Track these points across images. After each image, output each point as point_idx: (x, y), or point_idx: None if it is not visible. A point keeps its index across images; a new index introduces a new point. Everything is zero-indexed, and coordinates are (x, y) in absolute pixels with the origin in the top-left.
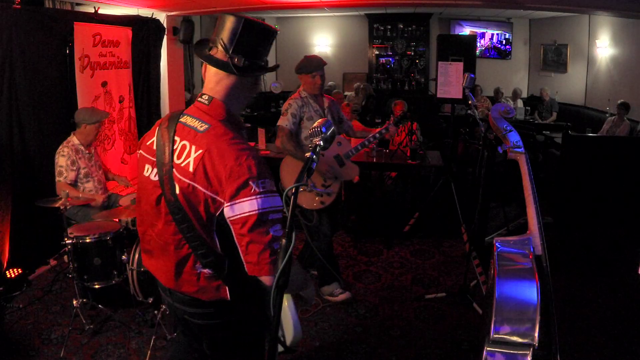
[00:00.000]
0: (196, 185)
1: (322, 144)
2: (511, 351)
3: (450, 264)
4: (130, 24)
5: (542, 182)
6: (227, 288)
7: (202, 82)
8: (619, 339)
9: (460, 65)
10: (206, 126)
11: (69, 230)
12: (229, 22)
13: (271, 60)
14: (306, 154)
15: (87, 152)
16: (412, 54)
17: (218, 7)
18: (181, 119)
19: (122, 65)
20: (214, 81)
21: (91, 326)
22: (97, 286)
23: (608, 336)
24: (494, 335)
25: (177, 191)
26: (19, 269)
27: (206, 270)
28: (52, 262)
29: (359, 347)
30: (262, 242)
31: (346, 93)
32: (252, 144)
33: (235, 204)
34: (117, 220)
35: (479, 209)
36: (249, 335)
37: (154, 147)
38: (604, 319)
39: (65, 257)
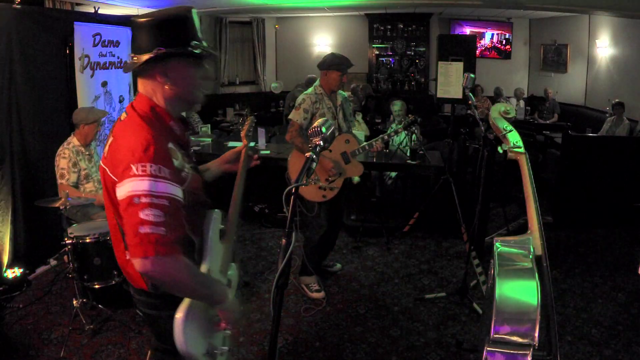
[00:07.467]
0: (107, 169)
1: (322, 144)
2: (511, 351)
3: (450, 264)
4: (130, 24)
5: (542, 182)
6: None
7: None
8: (619, 339)
9: (460, 65)
10: (125, 115)
11: (69, 230)
12: None
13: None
14: (306, 154)
15: (87, 153)
16: (412, 54)
17: (218, 7)
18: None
19: (122, 65)
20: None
21: (91, 326)
22: (97, 286)
23: (608, 336)
24: (494, 335)
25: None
26: (19, 269)
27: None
28: (52, 262)
29: (359, 347)
30: (132, 224)
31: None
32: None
33: (121, 186)
34: None
35: (479, 209)
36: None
37: None
38: (604, 319)
39: (65, 257)
